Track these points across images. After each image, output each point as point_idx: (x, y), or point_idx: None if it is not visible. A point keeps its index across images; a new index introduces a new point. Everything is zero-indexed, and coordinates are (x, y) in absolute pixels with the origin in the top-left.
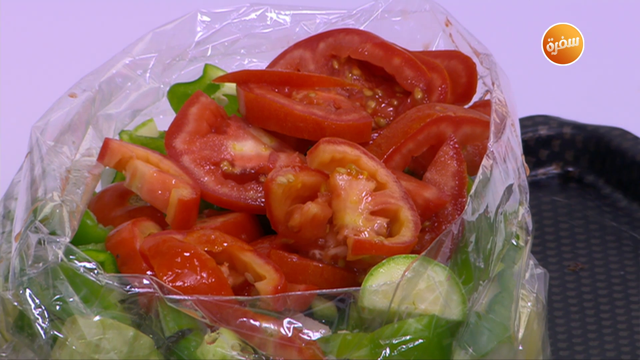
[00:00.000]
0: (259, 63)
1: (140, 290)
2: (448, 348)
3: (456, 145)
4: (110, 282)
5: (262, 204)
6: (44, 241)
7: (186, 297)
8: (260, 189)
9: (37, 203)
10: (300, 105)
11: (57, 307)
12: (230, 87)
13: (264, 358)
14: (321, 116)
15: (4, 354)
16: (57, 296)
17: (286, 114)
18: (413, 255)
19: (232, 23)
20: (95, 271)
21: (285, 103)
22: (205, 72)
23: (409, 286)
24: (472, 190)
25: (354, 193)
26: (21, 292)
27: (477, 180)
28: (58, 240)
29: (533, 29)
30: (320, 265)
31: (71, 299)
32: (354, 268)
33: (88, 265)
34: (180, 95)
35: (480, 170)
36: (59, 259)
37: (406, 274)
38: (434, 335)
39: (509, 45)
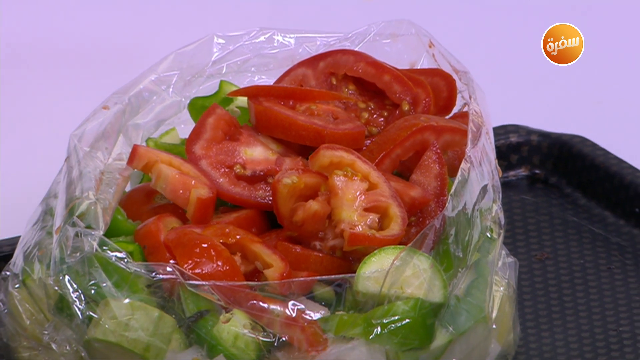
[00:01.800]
0: (267, 79)
1: (164, 276)
2: (431, 327)
3: (438, 151)
4: (138, 269)
5: (270, 202)
6: (80, 234)
7: (204, 283)
8: (268, 188)
9: (74, 201)
10: (303, 116)
11: (92, 291)
12: (242, 101)
13: (271, 335)
14: (321, 125)
15: (46, 332)
16: (92, 282)
17: (290, 123)
18: (401, 246)
19: (244, 45)
20: (125, 260)
21: (289, 114)
22: (220, 87)
23: (397, 273)
24: (452, 190)
25: (350, 192)
26: (61, 278)
27: (456, 181)
28: (93, 233)
29: (533, 29)
30: (320, 255)
31: (104, 284)
32: (350, 257)
33: (119, 255)
34: (199, 108)
35: (459, 173)
36: (94, 249)
37: (395, 262)
38: (419, 315)
39: (509, 45)
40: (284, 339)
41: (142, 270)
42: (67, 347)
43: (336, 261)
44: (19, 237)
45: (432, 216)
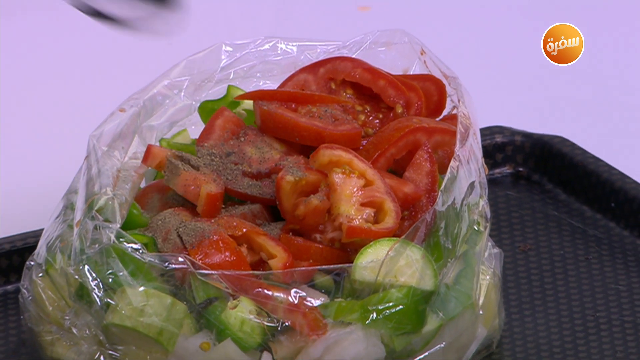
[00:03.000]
0: (271, 84)
1: (176, 266)
2: (423, 313)
3: (429, 150)
4: (152, 259)
5: (274, 197)
6: (99, 227)
7: (213, 272)
8: (273, 185)
9: (93, 196)
10: (304, 118)
11: (110, 280)
12: (248, 104)
13: (275, 321)
14: (321, 127)
15: (67, 317)
16: (110, 271)
17: (293, 125)
18: (395, 238)
19: (250, 52)
20: (140, 251)
21: (292, 116)
22: (228, 91)
23: (391, 263)
24: (442, 186)
25: (348, 188)
26: (81, 267)
27: (446, 178)
28: (110, 226)
29: (533, 29)
30: (320, 246)
31: (121, 273)
32: (348, 248)
33: (134, 246)
34: (208, 110)
35: (449, 170)
36: (111, 241)
37: (389, 253)
38: (411, 302)
39: (509, 45)
40: (287, 324)
41: (156, 261)
42: (87, 332)
43: (335, 252)
44: (42, 229)
45: (424, 210)
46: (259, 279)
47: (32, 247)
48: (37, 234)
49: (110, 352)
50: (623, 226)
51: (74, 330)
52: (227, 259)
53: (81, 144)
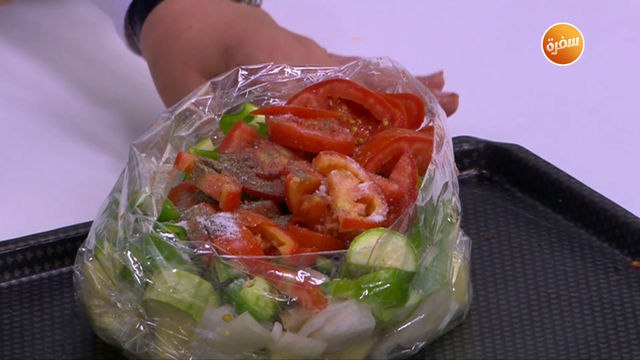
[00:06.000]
0: (279, 102)
1: (203, 252)
2: (406, 290)
3: (411, 156)
4: (183, 246)
5: (283, 195)
6: (139, 219)
7: (233, 257)
8: (282, 185)
9: (134, 194)
10: (307, 129)
11: (148, 263)
12: (260, 118)
13: (285, 297)
14: (321, 136)
15: (112, 294)
16: (148, 256)
17: (298, 135)
18: (383, 228)
19: (262, 75)
20: (173, 239)
21: (297, 128)
22: (244, 107)
23: (380, 249)
24: (422, 185)
25: (344, 187)
26: (124, 253)
27: (425, 179)
28: (149, 219)
29: (533, 29)
30: (321, 235)
31: (157, 258)
32: (344, 237)
33: (168, 235)
34: (228, 123)
35: (427, 173)
36: (149, 231)
37: (379, 241)
38: (396, 281)
39: (509, 45)
40: (294, 299)
41: (186, 247)
42: (129, 306)
43: (333, 240)
44: (92, 221)
45: (407, 205)
46: (271, 263)
47: (83, 236)
48: (87, 225)
49: (148, 322)
50: (569, 219)
51: (119, 305)
52: (245, 246)
53: (124, 151)
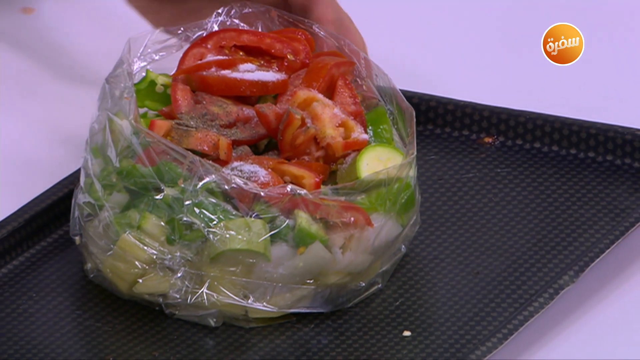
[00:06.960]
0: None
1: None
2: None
3: (346, 79)
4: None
5: (255, 138)
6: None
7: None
8: (247, 129)
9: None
10: (250, 76)
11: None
12: (162, 80)
13: (333, 221)
14: (266, 80)
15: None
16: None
17: (247, 83)
18: (377, 143)
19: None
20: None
21: (242, 77)
22: (147, 74)
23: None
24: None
25: (327, 115)
26: (193, 211)
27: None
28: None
29: (533, 29)
30: (315, 163)
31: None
32: (329, 162)
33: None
34: (139, 91)
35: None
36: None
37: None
38: (412, 189)
39: (509, 45)
40: (343, 220)
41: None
42: (180, 262)
43: (322, 165)
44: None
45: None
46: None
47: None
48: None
49: (211, 274)
50: None
51: (167, 264)
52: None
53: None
